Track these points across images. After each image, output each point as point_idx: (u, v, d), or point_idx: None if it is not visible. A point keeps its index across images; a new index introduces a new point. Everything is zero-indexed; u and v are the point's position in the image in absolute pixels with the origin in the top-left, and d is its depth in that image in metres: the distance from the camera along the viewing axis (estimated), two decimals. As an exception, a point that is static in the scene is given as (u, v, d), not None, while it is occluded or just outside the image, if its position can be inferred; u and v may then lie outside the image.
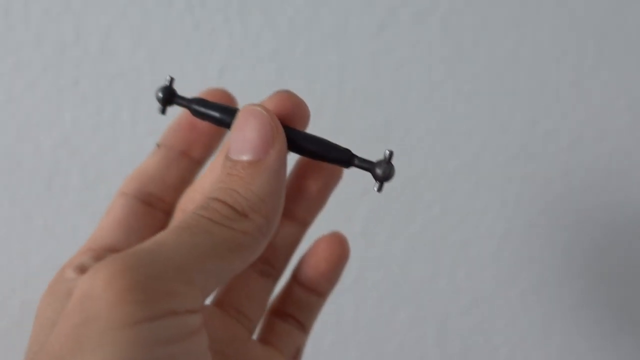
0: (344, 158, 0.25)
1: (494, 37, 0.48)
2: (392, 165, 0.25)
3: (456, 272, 0.51)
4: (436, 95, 0.48)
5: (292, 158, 0.30)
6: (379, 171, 0.25)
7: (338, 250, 0.30)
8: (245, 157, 0.24)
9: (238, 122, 0.24)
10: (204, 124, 0.27)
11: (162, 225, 0.29)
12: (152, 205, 0.28)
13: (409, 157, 0.49)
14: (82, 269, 0.26)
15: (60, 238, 0.49)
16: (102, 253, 0.27)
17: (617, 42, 0.48)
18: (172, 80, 0.27)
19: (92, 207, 0.49)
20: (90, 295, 0.20)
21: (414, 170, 0.49)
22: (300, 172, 0.30)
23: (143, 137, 0.48)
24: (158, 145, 0.29)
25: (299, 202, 0.30)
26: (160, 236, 0.22)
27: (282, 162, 0.24)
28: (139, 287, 0.19)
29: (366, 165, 0.25)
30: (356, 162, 0.25)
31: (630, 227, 0.51)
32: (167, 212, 0.29)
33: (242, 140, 0.24)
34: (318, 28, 0.47)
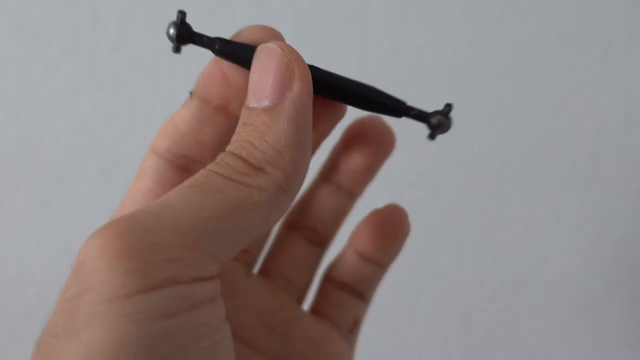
0: (399, 107, 0.24)
1: (518, 19, 0.47)
2: (450, 116, 0.24)
3: (480, 260, 0.50)
4: (458, 78, 0.47)
5: (345, 122, 0.28)
6: (434, 121, 0.24)
7: (397, 225, 0.29)
8: (261, 104, 0.21)
9: (253, 65, 0.22)
10: (239, 76, 0.24)
11: None
12: (187, 170, 0.25)
13: (430, 142, 0.48)
14: None
15: (77, 225, 0.48)
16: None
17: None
18: (184, 14, 0.23)
19: (109, 194, 0.48)
20: (84, 264, 0.18)
21: (436, 155, 0.48)
22: (349, 140, 0.28)
23: (160, 122, 0.47)
24: (191, 94, 0.24)
25: (345, 172, 0.28)
26: (167, 197, 0.19)
27: (302, 107, 0.21)
28: (134, 254, 0.18)
29: (423, 115, 0.24)
30: (413, 111, 0.24)
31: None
32: None
33: (257, 84, 0.21)
34: (338, 9, 0.46)
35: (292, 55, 0.21)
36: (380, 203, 0.52)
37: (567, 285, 0.51)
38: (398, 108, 0.24)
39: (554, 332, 0.51)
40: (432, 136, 0.24)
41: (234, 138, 0.21)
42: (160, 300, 0.18)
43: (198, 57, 0.46)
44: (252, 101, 0.21)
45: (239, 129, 0.21)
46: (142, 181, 0.25)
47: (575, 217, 0.50)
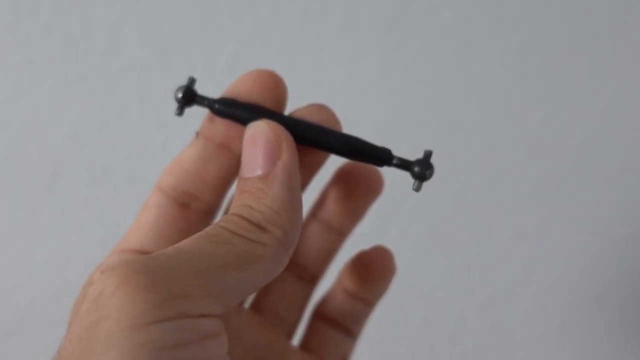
0: (382, 157, 0.25)
1: (506, 31, 0.47)
2: (431, 164, 0.25)
3: (470, 270, 0.50)
4: (447, 90, 0.48)
5: (331, 168, 0.29)
6: (418, 170, 0.25)
7: (383, 267, 0.30)
8: (255, 173, 0.24)
9: (245, 141, 0.24)
10: None
11: (197, 228, 0.27)
12: (188, 206, 0.27)
13: (419, 154, 0.48)
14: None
15: (66, 235, 0.48)
16: (132, 255, 0.27)
17: (630, 37, 0.48)
18: (193, 80, 0.26)
19: (99, 203, 0.48)
20: (103, 295, 0.19)
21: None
22: (339, 182, 0.30)
23: (151, 133, 0.47)
24: (197, 134, 0.27)
25: (334, 213, 0.30)
26: (182, 243, 0.22)
27: (292, 172, 0.24)
28: (152, 288, 0.19)
29: (405, 164, 0.25)
30: (395, 161, 0.25)
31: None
32: (206, 212, 0.27)
33: (250, 157, 0.24)
34: (328, 22, 0.46)
35: (277, 129, 0.24)
36: (370, 215, 0.52)
37: (557, 295, 0.51)
38: (380, 158, 0.25)
39: (544, 342, 0.52)
40: (417, 188, 0.25)
41: (234, 204, 0.24)
42: (172, 331, 0.19)
43: (189, 68, 0.47)
44: (246, 172, 0.24)
45: (237, 196, 0.24)
46: (145, 216, 0.27)
47: (564, 227, 0.50)
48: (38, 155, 0.47)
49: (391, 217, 0.49)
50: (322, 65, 0.47)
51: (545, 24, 0.47)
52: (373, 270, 0.30)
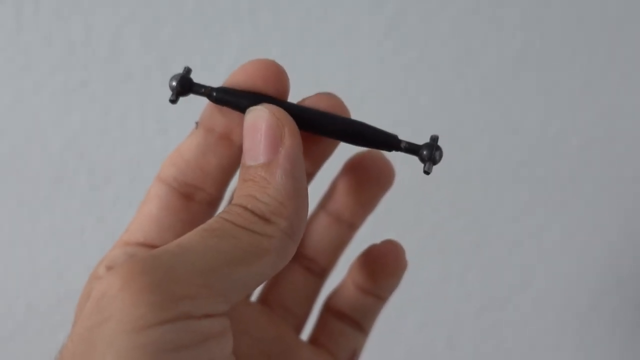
0: (391, 142, 0.25)
1: (503, 37, 0.48)
2: (439, 146, 0.24)
3: (466, 276, 0.50)
4: (446, 95, 0.48)
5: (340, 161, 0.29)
6: (427, 153, 0.24)
7: (395, 262, 0.30)
8: (257, 161, 0.23)
9: (245, 127, 0.23)
10: None
11: (201, 219, 0.26)
12: (190, 197, 0.26)
13: (418, 159, 0.48)
14: (111, 268, 0.25)
15: (67, 240, 0.48)
16: (135, 249, 0.26)
17: (628, 41, 0.48)
18: (189, 70, 0.25)
19: (100, 209, 0.48)
20: (106, 295, 0.19)
21: (422, 173, 0.48)
22: (349, 174, 0.29)
23: (151, 138, 0.47)
24: (197, 124, 0.26)
25: (345, 205, 0.29)
26: (185, 239, 0.21)
27: (295, 160, 0.23)
28: (155, 289, 0.19)
29: (414, 148, 0.25)
30: (403, 145, 0.24)
31: None
32: (209, 203, 0.27)
33: (251, 144, 0.23)
34: (327, 29, 0.47)
35: (279, 114, 0.23)
36: (369, 220, 0.52)
37: (553, 300, 0.51)
38: (389, 142, 0.25)
39: (540, 347, 0.52)
40: (427, 170, 0.25)
41: (237, 193, 0.23)
42: (174, 332, 0.19)
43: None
44: (249, 160, 0.23)
45: (239, 185, 0.23)
46: (147, 208, 0.26)
47: (561, 232, 0.50)
48: (39, 161, 0.47)
49: (389, 219, 0.49)
50: (321, 71, 0.47)
51: (542, 30, 0.48)
52: (384, 265, 0.29)
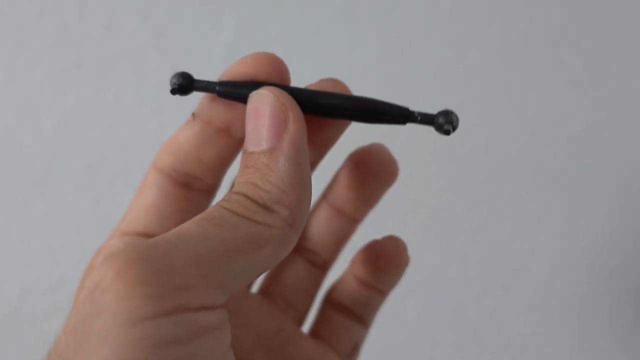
0: (404, 114, 0.24)
1: (505, 18, 0.47)
2: (454, 112, 0.23)
3: (467, 261, 0.50)
4: (446, 78, 0.47)
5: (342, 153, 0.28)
6: (443, 119, 0.23)
7: (396, 258, 0.29)
8: (260, 147, 0.22)
9: (248, 112, 0.23)
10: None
11: (201, 208, 0.26)
12: (189, 187, 0.26)
13: (419, 142, 0.48)
14: None
15: (61, 223, 0.48)
16: (134, 239, 0.25)
17: (634, 25, 0.47)
18: (188, 76, 0.24)
19: (94, 191, 0.47)
20: (100, 286, 0.18)
21: (424, 155, 0.48)
22: (352, 167, 0.28)
23: (147, 119, 0.47)
24: (194, 115, 0.25)
25: (347, 199, 0.28)
26: (183, 227, 0.20)
27: (299, 146, 0.22)
28: (150, 280, 0.18)
29: (429, 118, 0.24)
30: (417, 116, 0.24)
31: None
32: (208, 191, 0.26)
33: (254, 129, 0.22)
34: (326, 8, 0.46)
35: (284, 98, 0.22)
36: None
37: (554, 286, 0.51)
38: (402, 115, 0.24)
39: (541, 333, 0.51)
40: (447, 132, 0.23)
41: (238, 180, 0.22)
42: (170, 326, 0.18)
43: (184, 56, 0.46)
44: (251, 146, 0.22)
45: (241, 171, 0.22)
46: (144, 196, 0.26)
47: (561, 218, 0.50)
48: (31, 142, 0.46)
49: (389, 206, 0.48)
50: (320, 51, 0.46)
51: (546, 10, 0.47)
52: (386, 261, 0.29)
